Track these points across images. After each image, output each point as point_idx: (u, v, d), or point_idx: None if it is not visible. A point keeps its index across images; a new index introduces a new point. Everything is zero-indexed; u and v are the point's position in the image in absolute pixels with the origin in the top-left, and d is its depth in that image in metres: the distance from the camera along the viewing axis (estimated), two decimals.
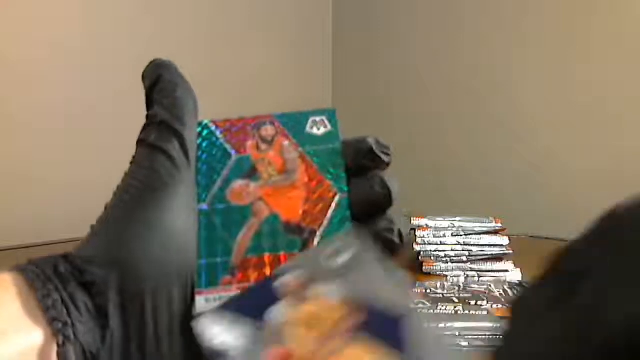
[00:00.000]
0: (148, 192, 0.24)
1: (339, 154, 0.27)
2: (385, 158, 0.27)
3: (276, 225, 0.26)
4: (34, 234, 0.98)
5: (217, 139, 0.28)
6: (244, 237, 0.26)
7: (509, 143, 1.38)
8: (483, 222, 0.78)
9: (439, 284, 0.59)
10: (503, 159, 1.39)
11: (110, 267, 0.23)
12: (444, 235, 0.76)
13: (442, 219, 0.78)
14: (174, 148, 0.25)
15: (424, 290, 0.55)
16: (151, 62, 0.27)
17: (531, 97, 1.34)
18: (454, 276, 0.72)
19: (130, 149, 0.26)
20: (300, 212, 0.26)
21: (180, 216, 0.24)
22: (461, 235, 0.76)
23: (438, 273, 0.73)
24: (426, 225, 0.77)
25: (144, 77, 0.27)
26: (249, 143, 0.28)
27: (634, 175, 1.16)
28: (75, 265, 0.23)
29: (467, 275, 0.72)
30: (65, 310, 0.22)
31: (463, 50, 1.48)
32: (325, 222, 0.26)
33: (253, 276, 0.25)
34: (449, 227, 0.77)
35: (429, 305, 0.49)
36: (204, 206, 0.26)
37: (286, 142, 0.28)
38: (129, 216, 0.24)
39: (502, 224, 0.77)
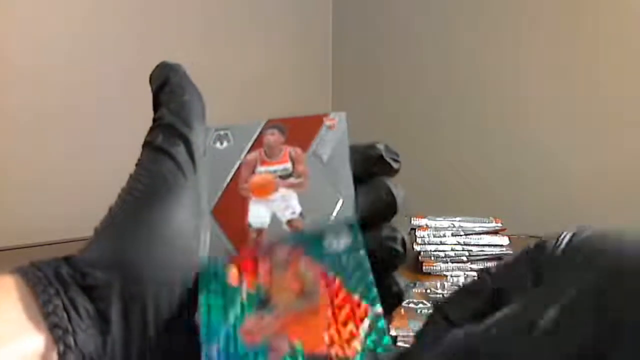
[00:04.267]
0: (152, 195, 0.24)
1: (366, 263, 0.24)
2: (394, 165, 0.26)
3: (299, 359, 0.22)
4: (34, 234, 0.98)
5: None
6: None
7: (509, 143, 1.38)
8: (483, 222, 0.78)
9: (439, 284, 0.59)
10: (503, 159, 1.39)
11: (113, 270, 0.23)
12: (444, 235, 0.76)
13: (442, 219, 0.78)
14: (180, 151, 0.25)
15: (424, 290, 0.55)
16: (159, 65, 0.27)
17: (532, 98, 1.35)
18: (454, 276, 0.73)
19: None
20: (326, 338, 0.22)
21: (184, 219, 0.24)
22: (461, 235, 0.76)
23: (438, 273, 0.73)
24: (426, 225, 0.77)
25: (151, 80, 0.27)
26: (261, 271, 0.25)
27: (634, 176, 1.16)
28: (77, 269, 0.23)
29: (467, 275, 0.72)
30: (66, 316, 0.21)
31: (463, 51, 1.48)
32: (359, 346, 0.22)
33: None
34: (449, 227, 0.77)
35: (429, 305, 0.49)
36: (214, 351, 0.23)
37: (303, 262, 0.25)
38: (133, 219, 0.24)
39: (502, 224, 0.77)
